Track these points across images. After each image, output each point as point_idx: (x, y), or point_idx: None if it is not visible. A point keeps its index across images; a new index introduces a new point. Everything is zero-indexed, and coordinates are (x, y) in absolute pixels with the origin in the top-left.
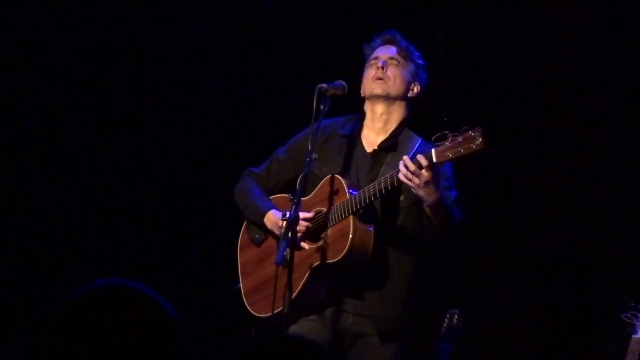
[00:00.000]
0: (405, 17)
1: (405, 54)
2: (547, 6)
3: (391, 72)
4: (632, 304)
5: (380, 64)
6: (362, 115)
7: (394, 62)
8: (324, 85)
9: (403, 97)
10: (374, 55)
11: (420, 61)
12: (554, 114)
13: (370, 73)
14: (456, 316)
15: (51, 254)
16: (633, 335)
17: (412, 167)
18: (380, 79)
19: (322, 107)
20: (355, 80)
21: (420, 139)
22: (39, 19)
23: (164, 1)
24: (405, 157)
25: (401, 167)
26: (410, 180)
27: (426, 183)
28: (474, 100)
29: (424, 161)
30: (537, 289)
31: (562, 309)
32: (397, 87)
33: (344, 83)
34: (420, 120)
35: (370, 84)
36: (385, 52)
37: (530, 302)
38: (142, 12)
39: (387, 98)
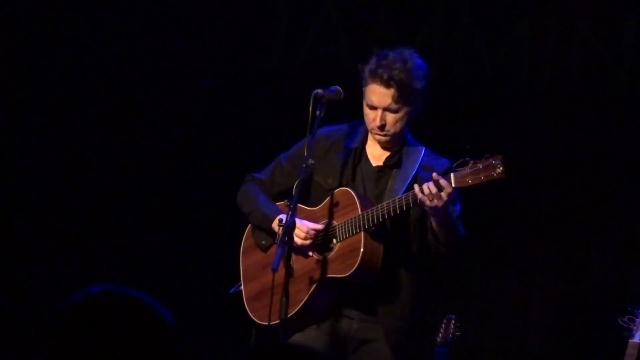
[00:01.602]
0: (402, 20)
1: (404, 96)
2: (544, 8)
3: (390, 120)
4: (629, 308)
5: (378, 124)
6: (364, 124)
7: (392, 109)
8: (319, 90)
9: (405, 128)
10: (369, 98)
11: (419, 84)
12: (551, 116)
13: (368, 116)
14: (453, 321)
15: (49, 258)
16: (630, 340)
17: (434, 190)
18: (380, 130)
19: (318, 112)
20: (352, 84)
21: (424, 149)
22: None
23: (160, 5)
24: (426, 187)
25: (422, 189)
26: (429, 200)
27: (439, 201)
28: (471, 101)
29: (448, 188)
30: (534, 293)
31: (559, 313)
32: (398, 130)
33: (339, 88)
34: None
35: (370, 125)
36: (381, 100)
37: (527, 307)
38: (139, 16)
39: (391, 139)
